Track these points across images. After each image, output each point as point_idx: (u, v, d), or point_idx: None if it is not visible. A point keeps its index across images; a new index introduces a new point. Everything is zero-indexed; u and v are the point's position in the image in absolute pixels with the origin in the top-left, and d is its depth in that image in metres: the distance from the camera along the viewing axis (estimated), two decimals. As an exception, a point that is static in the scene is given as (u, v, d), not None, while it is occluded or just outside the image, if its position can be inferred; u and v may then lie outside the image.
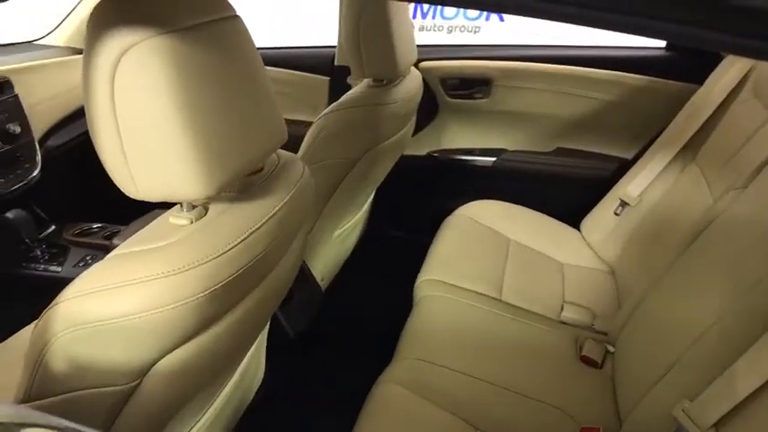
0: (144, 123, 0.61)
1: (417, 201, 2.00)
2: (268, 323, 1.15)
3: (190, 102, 0.61)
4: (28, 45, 1.88)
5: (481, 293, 1.45)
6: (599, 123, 1.79)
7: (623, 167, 1.72)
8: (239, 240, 0.69)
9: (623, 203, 1.62)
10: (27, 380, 0.68)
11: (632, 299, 1.33)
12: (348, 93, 1.35)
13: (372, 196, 1.74)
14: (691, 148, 1.52)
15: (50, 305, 0.66)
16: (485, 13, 3.54)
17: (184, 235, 0.67)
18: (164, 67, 0.59)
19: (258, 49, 0.75)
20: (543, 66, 1.73)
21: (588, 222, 1.72)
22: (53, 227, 1.60)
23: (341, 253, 1.66)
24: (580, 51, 1.76)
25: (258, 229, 0.73)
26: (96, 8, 0.60)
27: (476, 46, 2.14)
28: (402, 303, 1.49)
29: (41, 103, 1.60)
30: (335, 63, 1.87)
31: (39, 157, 1.54)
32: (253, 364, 1.18)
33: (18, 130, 1.49)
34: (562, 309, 1.44)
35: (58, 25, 1.90)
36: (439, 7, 3.59)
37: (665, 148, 1.57)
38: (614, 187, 1.67)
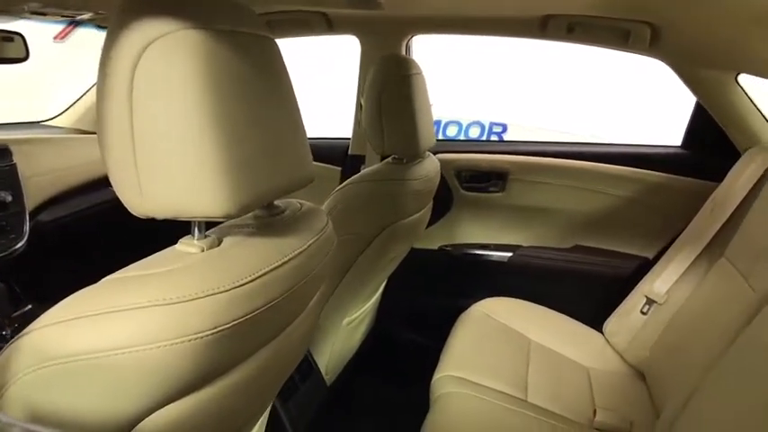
0: (163, 125, 0.53)
1: (428, 297, 1.89)
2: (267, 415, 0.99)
3: (219, 107, 0.54)
4: (34, 124, 1.86)
5: (507, 393, 1.31)
6: (618, 221, 1.75)
7: (643, 267, 1.65)
8: (256, 276, 0.59)
9: (650, 302, 1.53)
10: None
11: (675, 403, 1.20)
12: (366, 169, 1.31)
13: (382, 289, 1.63)
14: (717, 244, 1.46)
15: (16, 337, 0.54)
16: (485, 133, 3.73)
17: (192, 262, 0.57)
18: (194, 62, 0.53)
19: None
20: (560, 161, 1.73)
21: (612, 323, 1.61)
22: (29, 306, 1.45)
23: (348, 346, 1.52)
24: (596, 148, 1.78)
25: (277, 268, 0.63)
26: None
27: (492, 141, 2.16)
28: (413, 405, 1.34)
29: (39, 176, 1.54)
30: (350, 152, 1.86)
31: (26, 229, 1.44)
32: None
33: (9, 198, 1.41)
34: (595, 414, 1.30)
35: (67, 108, 1.90)
36: (442, 125, 3.78)
37: (689, 245, 1.52)
38: (638, 286, 1.59)
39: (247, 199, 0.58)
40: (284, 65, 0.68)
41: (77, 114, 1.86)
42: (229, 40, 0.57)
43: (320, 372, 1.33)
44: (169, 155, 0.54)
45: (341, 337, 1.42)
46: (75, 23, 2.68)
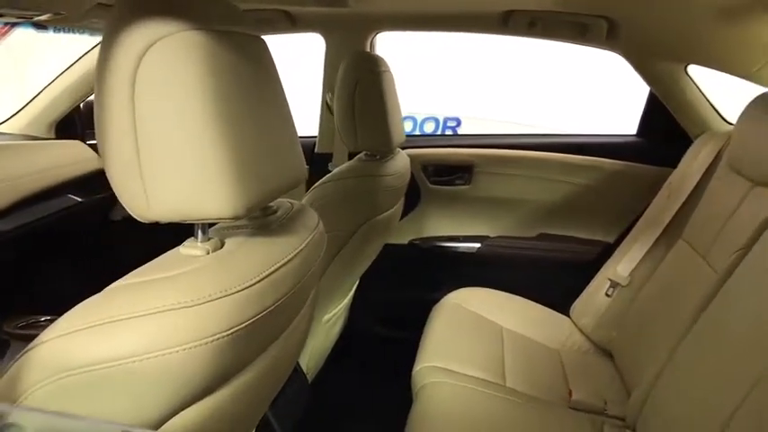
0: (168, 127, 0.53)
1: (400, 291, 1.91)
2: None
3: (222, 107, 0.54)
4: (-21, 130, 1.76)
5: (486, 380, 1.35)
6: (579, 208, 1.82)
7: (606, 251, 1.72)
8: (265, 275, 0.60)
9: (614, 284, 1.60)
10: None
11: (645, 380, 1.26)
12: (340, 166, 1.31)
13: (356, 284, 1.64)
14: (674, 226, 1.54)
15: (26, 349, 0.52)
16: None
17: (200, 265, 0.57)
18: (196, 63, 0.53)
19: None
20: (523, 152, 1.79)
21: (578, 307, 1.68)
22: None
23: (326, 344, 1.52)
24: (557, 139, 1.84)
25: (283, 266, 0.64)
26: None
27: (457, 135, 2.21)
28: (395, 397, 1.36)
29: None
30: (316, 150, 1.85)
31: (-18, 241, 1.37)
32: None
33: (-37, 209, 1.33)
34: (570, 394, 1.35)
35: (15, 113, 1.81)
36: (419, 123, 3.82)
37: (648, 229, 1.59)
38: (601, 270, 1.66)
39: (254, 199, 0.58)
40: (275, 64, 0.69)
41: (27, 119, 1.77)
42: (227, 40, 0.57)
43: (302, 370, 1.33)
44: (175, 157, 0.54)
45: (320, 335, 1.42)
46: (12, 24, 2.55)
